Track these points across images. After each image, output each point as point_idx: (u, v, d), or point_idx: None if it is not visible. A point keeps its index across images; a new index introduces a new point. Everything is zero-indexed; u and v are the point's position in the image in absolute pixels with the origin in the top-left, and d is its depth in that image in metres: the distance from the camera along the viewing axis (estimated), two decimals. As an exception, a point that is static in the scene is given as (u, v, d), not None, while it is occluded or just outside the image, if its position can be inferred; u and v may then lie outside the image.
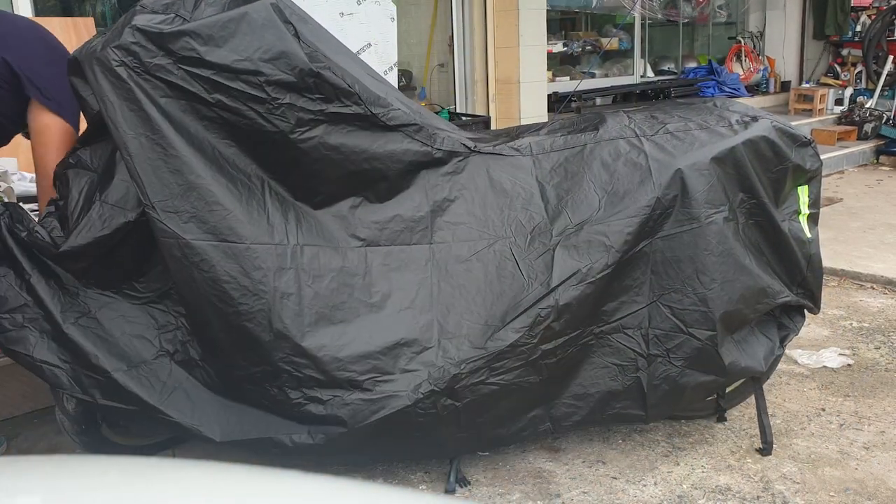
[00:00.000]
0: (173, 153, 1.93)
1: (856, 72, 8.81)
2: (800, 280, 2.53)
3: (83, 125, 2.22)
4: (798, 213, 2.52)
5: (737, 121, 2.39)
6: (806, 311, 2.65)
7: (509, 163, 2.30)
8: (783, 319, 2.58)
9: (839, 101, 8.47)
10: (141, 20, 1.90)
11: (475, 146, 2.30)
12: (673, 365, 2.29)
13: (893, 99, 8.27)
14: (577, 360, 2.26)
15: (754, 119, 2.41)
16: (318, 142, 2.05)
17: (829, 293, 4.07)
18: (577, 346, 2.24)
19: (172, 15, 1.92)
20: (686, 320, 2.26)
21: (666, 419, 2.76)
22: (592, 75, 7.63)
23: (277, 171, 2.08)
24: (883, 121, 7.94)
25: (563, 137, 2.37)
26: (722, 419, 2.77)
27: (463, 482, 2.41)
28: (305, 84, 1.99)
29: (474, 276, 2.17)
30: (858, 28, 8.92)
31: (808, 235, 2.54)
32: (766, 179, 2.38)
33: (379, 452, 2.29)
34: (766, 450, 2.56)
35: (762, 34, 9.28)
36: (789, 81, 9.03)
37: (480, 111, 5.85)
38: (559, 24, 7.78)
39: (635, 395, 2.31)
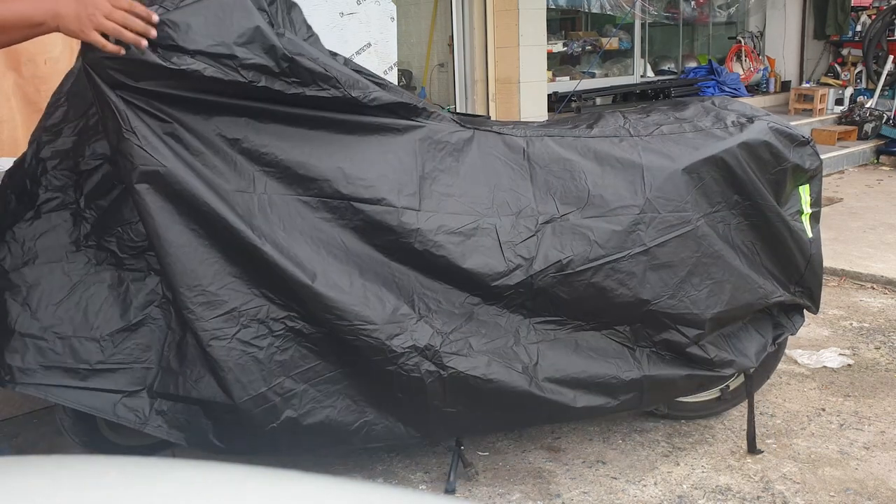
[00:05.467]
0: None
1: (856, 72, 8.82)
2: (798, 279, 2.53)
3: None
4: (800, 212, 2.52)
5: (732, 122, 2.39)
6: (806, 311, 2.65)
7: (501, 140, 2.28)
8: (781, 318, 2.58)
9: (839, 101, 8.47)
10: None
11: (466, 123, 2.28)
12: (661, 356, 2.32)
13: (894, 99, 8.27)
14: (565, 351, 2.25)
15: (751, 120, 2.41)
16: None
17: (829, 293, 4.07)
18: (563, 335, 2.23)
19: (157, 6, 1.92)
20: (676, 320, 2.28)
21: (666, 419, 2.77)
22: (592, 75, 7.64)
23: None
24: (883, 120, 7.94)
25: (557, 128, 2.37)
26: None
27: (467, 465, 2.42)
28: (280, 68, 1.98)
29: (458, 249, 2.14)
30: (858, 28, 8.92)
31: (810, 235, 2.54)
32: (765, 181, 2.38)
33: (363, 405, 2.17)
34: (750, 448, 2.58)
35: (762, 34, 9.28)
36: (789, 81, 9.03)
37: (480, 111, 5.85)
38: (559, 24, 7.78)
39: (626, 386, 2.31)
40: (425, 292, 2.12)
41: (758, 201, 2.36)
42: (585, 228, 2.20)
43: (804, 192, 2.52)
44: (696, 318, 2.29)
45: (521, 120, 5.60)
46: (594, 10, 7.49)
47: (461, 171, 2.20)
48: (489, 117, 5.59)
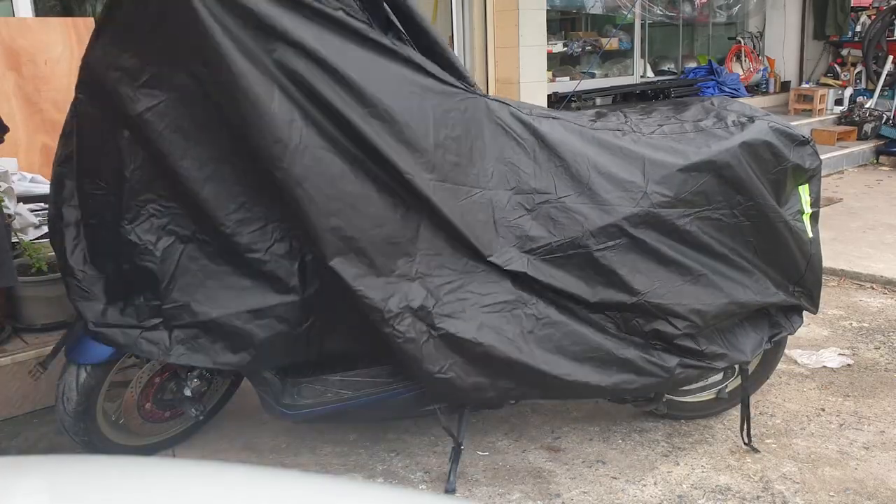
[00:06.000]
0: None
1: (856, 72, 8.81)
2: (797, 279, 2.54)
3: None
4: (801, 212, 2.52)
5: (733, 122, 2.40)
6: (805, 311, 2.65)
7: (509, 112, 2.29)
8: (779, 317, 2.58)
9: (839, 101, 8.47)
10: None
11: (479, 90, 2.29)
12: (652, 347, 2.33)
13: (893, 99, 8.27)
14: (559, 326, 2.25)
15: (751, 120, 2.41)
16: None
17: (829, 293, 4.07)
18: (556, 312, 2.24)
19: None
20: (666, 312, 2.29)
21: (666, 419, 2.77)
22: (592, 75, 7.63)
23: None
24: (883, 121, 7.94)
25: (563, 115, 2.39)
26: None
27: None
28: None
29: (462, 219, 2.16)
30: (858, 28, 8.92)
31: (810, 235, 2.54)
32: (766, 180, 2.39)
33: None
34: (747, 444, 2.59)
35: (762, 34, 9.28)
36: (789, 81, 9.03)
37: (480, 111, 5.84)
38: (559, 24, 7.78)
39: (622, 369, 2.31)
40: (428, 253, 2.14)
41: (758, 201, 2.36)
42: (579, 214, 2.22)
43: (804, 191, 2.52)
44: (686, 311, 2.30)
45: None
46: (592, 12, 7.48)
47: (469, 139, 2.20)
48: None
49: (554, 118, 2.34)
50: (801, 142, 2.46)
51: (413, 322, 2.10)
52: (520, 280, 2.21)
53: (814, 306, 2.63)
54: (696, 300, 2.31)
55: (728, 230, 2.36)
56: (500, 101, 2.30)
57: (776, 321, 2.57)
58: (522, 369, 2.20)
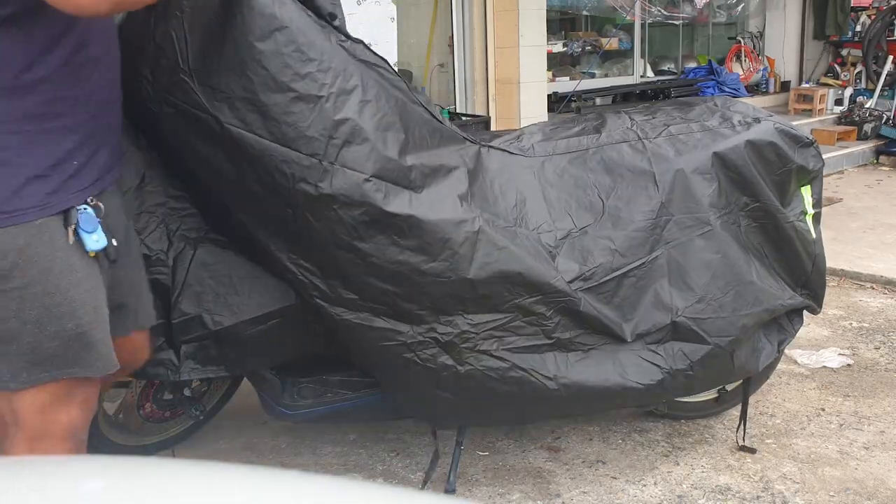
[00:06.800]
0: None
1: (856, 72, 8.81)
2: (804, 281, 2.53)
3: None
4: (804, 213, 2.52)
5: (739, 122, 2.38)
6: (807, 311, 2.64)
7: (514, 161, 2.25)
8: (783, 322, 2.57)
9: (839, 101, 8.47)
10: None
11: (479, 140, 2.26)
12: (692, 372, 2.25)
13: (893, 99, 8.26)
14: (593, 359, 2.19)
15: (756, 120, 2.40)
16: None
17: (829, 293, 4.05)
18: (595, 350, 2.18)
19: None
20: (709, 331, 2.23)
21: (666, 419, 2.77)
22: (592, 75, 7.63)
23: None
24: (883, 121, 7.93)
25: (564, 141, 2.33)
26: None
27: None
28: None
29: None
30: (858, 28, 8.92)
31: (814, 236, 2.54)
32: (771, 181, 2.37)
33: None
34: (741, 447, 2.59)
35: (762, 34, 9.28)
36: (789, 81, 9.03)
37: (480, 111, 5.84)
38: (559, 24, 7.78)
39: (652, 395, 2.27)
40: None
41: (765, 202, 2.34)
42: (605, 239, 2.16)
43: (806, 192, 2.52)
44: (726, 324, 2.23)
45: (522, 122, 5.59)
46: (587, 13, 7.48)
47: (489, 185, 2.15)
48: (490, 118, 5.59)
49: (557, 153, 2.27)
50: (805, 143, 2.45)
51: (437, 353, 2.01)
52: (554, 319, 2.12)
53: (818, 307, 2.62)
54: (732, 312, 2.25)
55: (741, 233, 2.33)
56: (495, 148, 2.24)
57: (782, 326, 2.55)
58: (552, 402, 2.14)
